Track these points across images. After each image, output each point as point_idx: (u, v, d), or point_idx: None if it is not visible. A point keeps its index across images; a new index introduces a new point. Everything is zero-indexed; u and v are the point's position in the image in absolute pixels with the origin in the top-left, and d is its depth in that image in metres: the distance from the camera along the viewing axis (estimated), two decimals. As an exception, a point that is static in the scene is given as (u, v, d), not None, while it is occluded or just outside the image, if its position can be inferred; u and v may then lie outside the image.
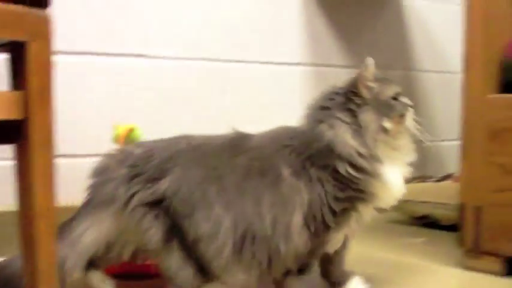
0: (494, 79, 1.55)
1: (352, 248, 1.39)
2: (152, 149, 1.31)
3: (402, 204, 2.17)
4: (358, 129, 1.27)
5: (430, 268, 1.63)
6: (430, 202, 2.11)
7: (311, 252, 1.28)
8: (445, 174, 2.26)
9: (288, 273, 1.30)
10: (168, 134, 1.90)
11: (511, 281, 1.49)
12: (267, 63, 2.12)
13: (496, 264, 1.53)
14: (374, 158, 1.26)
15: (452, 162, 2.54)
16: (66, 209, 1.67)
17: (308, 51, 2.24)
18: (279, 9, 2.20)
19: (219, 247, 1.22)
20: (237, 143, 1.31)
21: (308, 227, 1.24)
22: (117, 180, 1.27)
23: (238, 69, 2.08)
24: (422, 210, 2.14)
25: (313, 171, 1.25)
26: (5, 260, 1.23)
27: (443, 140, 2.73)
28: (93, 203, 1.29)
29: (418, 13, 2.66)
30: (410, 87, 2.64)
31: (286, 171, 1.25)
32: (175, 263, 1.25)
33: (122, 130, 1.62)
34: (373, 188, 1.27)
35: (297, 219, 1.23)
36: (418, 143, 1.36)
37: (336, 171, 1.25)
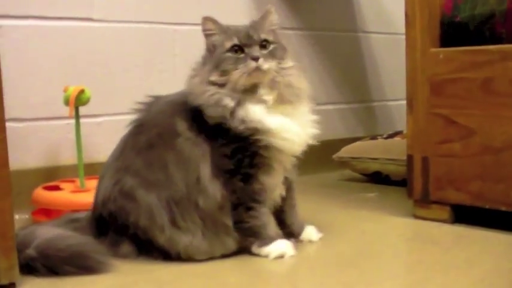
0: (435, 34, 1.59)
1: (305, 203, 1.43)
2: None
3: (354, 162, 2.23)
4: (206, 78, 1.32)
5: (381, 218, 1.68)
6: (380, 158, 2.16)
7: (242, 205, 1.31)
8: (394, 132, 2.31)
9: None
10: (116, 95, 1.91)
11: (458, 227, 1.55)
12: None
13: (444, 213, 1.58)
14: (235, 104, 1.28)
15: (400, 121, 2.60)
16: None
17: (255, 12, 2.25)
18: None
19: (159, 226, 1.28)
20: (139, 123, 1.37)
21: (217, 177, 1.28)
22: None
23: (186, 32, 2.08)
24: (373, 167, 2.19)
25: (201, 123, 1.30)
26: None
27: (391, 100, 2.78)
28: None
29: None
30: (357, 49, 2.69)
31: (182, 126, 1.30)
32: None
33: (72, 91, 1.63)
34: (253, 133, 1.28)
35: (205, 172, 1.28)
36: None
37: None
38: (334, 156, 2.28)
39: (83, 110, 1.69)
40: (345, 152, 2.28)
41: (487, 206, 1.50)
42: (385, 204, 1.83)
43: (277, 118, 1.29)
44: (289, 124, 1.31)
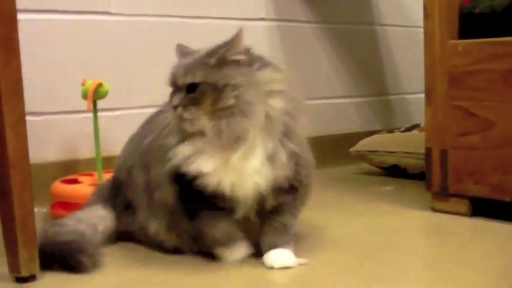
0: (453, 26, 1.58)
1: (322, 196, 1.43)
2: None
3: (371, 155, 2.22)
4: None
5: (399, 211, 1.68)
6: (397, 152, 2.15)
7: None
8: (411, 125, 2.30)
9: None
10: (134, 89, 1.92)
11: (477, 220, 1.54)
12: (230, 18, 2.12)
13: (463, 206, 1.57)
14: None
15: (417, 114, 2.59)
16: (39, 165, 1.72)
17: (271, 6, 2.25)
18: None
19: (142, 205, 1.32)
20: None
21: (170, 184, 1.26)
22: None
23: (201, 25, 2.08)
24: (390, 160, 2.18)
25: None
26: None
27: (408, 93, 2.77)
28: None
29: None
30: (374, 42, 2.67)
31: (164, 123, 1.27)
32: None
33: (90, 85, 1.64)
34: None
35: (161, 172, 1.25)
36: None
37: None
38: (351, 149, 2.28)
39: (100, 103, 1.70)
40: (362, 145, 2.27)
41: (507, 199, 1.49)
42: (403, 197, 1.83)
43: (204, 162, 1.16)
44: (218, 171, 1.16)
